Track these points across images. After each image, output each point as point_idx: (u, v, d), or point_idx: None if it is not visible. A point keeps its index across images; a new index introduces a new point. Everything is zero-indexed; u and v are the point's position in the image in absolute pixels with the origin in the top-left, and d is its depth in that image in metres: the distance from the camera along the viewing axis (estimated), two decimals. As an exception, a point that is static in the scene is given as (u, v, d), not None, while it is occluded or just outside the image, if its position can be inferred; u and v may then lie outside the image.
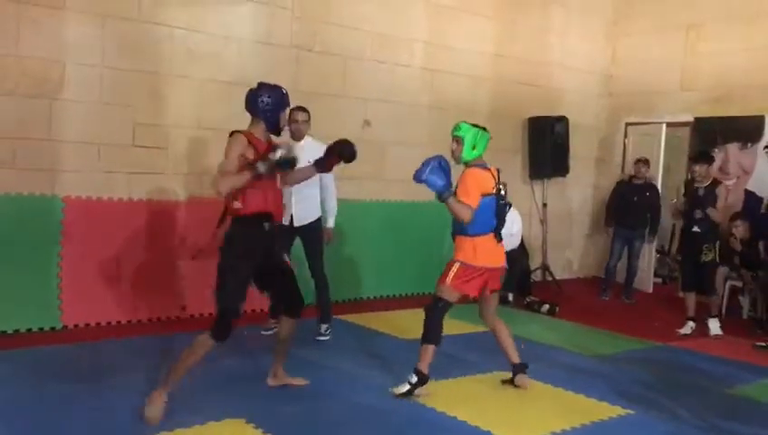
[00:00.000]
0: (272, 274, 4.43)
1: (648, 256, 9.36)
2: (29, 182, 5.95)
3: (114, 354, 5.44)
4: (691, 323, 7.14)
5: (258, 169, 4.06)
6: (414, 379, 4.70)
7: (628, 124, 10.26)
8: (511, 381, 5.05)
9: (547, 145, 9.40)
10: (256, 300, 5.22)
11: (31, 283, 5.87)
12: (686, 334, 7.06)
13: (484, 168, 4.75)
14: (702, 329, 7.14)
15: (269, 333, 6.00)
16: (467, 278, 4.72)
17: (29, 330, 5.84)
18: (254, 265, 4.26)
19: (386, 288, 8.00)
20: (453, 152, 4.77)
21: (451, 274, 4.73)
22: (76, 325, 6.06)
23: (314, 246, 6.06)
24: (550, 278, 9.62)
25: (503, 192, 4.79)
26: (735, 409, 5.02)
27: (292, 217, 5.92)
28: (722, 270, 7.89)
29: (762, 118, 8.30)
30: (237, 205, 4.20)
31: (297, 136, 5.93)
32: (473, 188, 4.62)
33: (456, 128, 4.79)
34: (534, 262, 9.42)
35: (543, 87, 9.71)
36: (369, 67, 7.99)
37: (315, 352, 5.76)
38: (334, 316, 6.87)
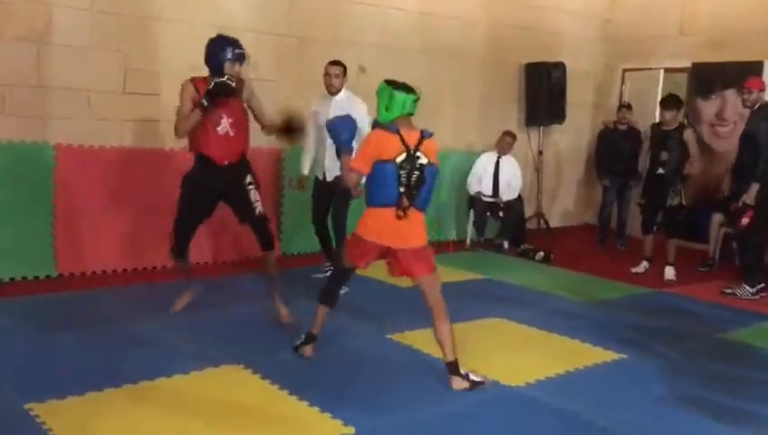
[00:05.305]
0: (239, 211, 4.91)
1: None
2: (19, 129, 5.85)
3: (109, 302, 5.44)
4: (645, 263, 7.50)
5: (202, 103, 4.48)
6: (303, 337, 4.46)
7: (625, 70, 10.16)
8: None
9: (544, 92, 9.29)
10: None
11: (25, 230, 5.83)
12: (638, 273, 7.42)
13: (392, 131, 4.01)
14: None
15: (320, 276, 5.97)
16: (359, 251, 4.20)
17: (24, 278, 5.84)
18: (203, 200, 4.84)
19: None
20: None
21: (347, 242, 4.40)
22: (72, 274, 6.05)
23: (340, 198, 5.87)
24: (545, 226, 9.64)
25: (421, 160, 4.01)
26: (727, 353, 5.08)
27: (325, 172, 5.94)
28: (717, 217, 7.95)
29: (760, 63, 8.19)
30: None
31: (330, 90, 5.94)
32: (364, 152, 4.07)
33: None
34: (529, 210, 9.42)
35: (540, 31, 9.54)
36: (362, 11, 7.83)
37: (308, 302, 5.79)
38: (312, 267, 6.86)
